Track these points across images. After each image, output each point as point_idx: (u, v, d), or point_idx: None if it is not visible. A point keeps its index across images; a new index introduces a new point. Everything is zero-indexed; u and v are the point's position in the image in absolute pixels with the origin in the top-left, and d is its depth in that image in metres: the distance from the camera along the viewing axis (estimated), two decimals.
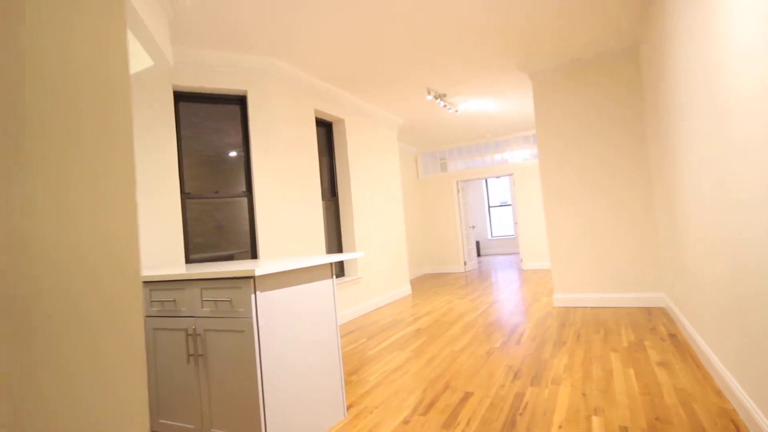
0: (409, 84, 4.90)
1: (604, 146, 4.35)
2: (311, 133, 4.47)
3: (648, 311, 3.99)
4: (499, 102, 5.90)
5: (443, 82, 4.93)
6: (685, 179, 2.59)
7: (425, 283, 7.28)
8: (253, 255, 3.94)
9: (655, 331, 3.32)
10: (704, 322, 2.51)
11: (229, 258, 3.97)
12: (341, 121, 5.14)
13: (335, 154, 5.20)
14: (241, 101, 3.97)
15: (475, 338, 3.58)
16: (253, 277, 1.73)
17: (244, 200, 3.95)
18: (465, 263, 8.66)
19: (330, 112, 4.86)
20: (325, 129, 5.15)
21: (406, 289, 6.25)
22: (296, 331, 1.97)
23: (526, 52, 4.20)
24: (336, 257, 2.25)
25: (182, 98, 3.71)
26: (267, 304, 1.79)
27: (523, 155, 8.08)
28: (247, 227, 3.96)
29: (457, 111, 6.08)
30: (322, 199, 4.89)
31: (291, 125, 4.17)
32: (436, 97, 5.23)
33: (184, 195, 3.64)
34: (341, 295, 4.71)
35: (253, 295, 1.72)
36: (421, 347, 3.43)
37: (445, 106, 5.51)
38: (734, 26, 1.55)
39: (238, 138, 3.99)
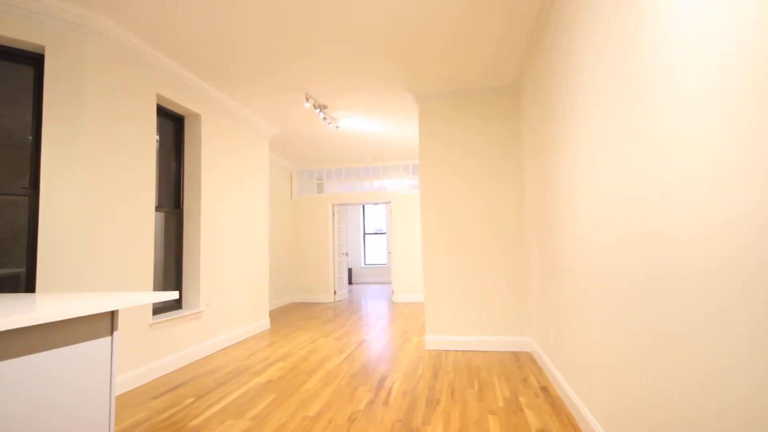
0: (285, 85, 4.21)
1: (485, 176, 4.21)
2: (149, 124, 3.44)
3: (516, 357, 3.83)
4: (383, 124, 5.56)
5: (325, 91, 4.36)
6: (571, 239, 2.38)
7: (289, 315, 6.43)
8: (29, 284, 2.72)
9: (527, 384, 3.09)
10: (584, 380, 2.27)
11: (12, 280, 2.68)
12: (197, 116, 4.18)
13: (185, 156, 4.17)
14: (36, 62, 2.81)
15: (336, 395, 2.92)
16: None
17: (24, 201, 2.75)
18: (335, 292, 8.05)
19: (181, 102, 3.88)
20: (175, 123, 4.12)
21: (264, 323, 5.34)
22: None
23: (410, 73, 3.88)
24: (124, 301, 1.40)
25: None
26: None
27: (402, 184, 7.92)
28: (25, 240, 2.75)
29: (338, 127, 5.56)
30: (158, 210, 3.82)
31: (115, 108, 3.11)
32: (315, 107, 4.62)
33: None
34: (174, 334, 3.64)
35: None
36: (265, 412, 2.64)
37: (325, 118, 4.94)
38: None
39: (27, 114, 2.80)
